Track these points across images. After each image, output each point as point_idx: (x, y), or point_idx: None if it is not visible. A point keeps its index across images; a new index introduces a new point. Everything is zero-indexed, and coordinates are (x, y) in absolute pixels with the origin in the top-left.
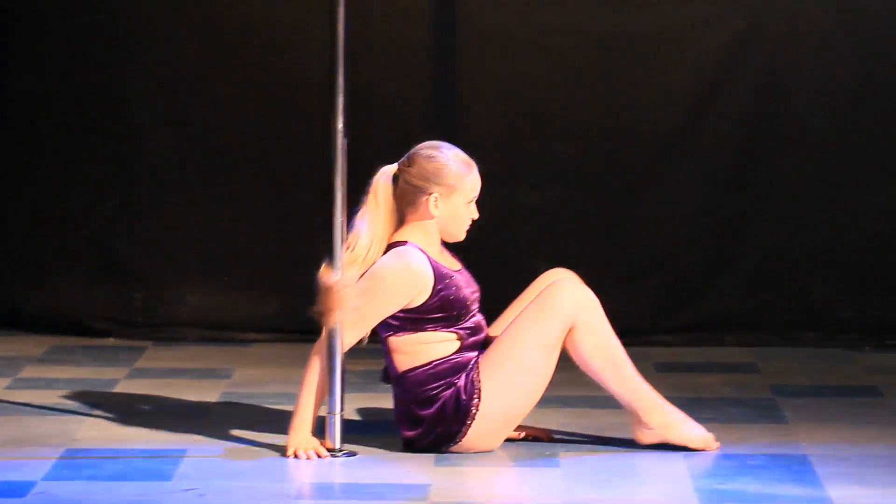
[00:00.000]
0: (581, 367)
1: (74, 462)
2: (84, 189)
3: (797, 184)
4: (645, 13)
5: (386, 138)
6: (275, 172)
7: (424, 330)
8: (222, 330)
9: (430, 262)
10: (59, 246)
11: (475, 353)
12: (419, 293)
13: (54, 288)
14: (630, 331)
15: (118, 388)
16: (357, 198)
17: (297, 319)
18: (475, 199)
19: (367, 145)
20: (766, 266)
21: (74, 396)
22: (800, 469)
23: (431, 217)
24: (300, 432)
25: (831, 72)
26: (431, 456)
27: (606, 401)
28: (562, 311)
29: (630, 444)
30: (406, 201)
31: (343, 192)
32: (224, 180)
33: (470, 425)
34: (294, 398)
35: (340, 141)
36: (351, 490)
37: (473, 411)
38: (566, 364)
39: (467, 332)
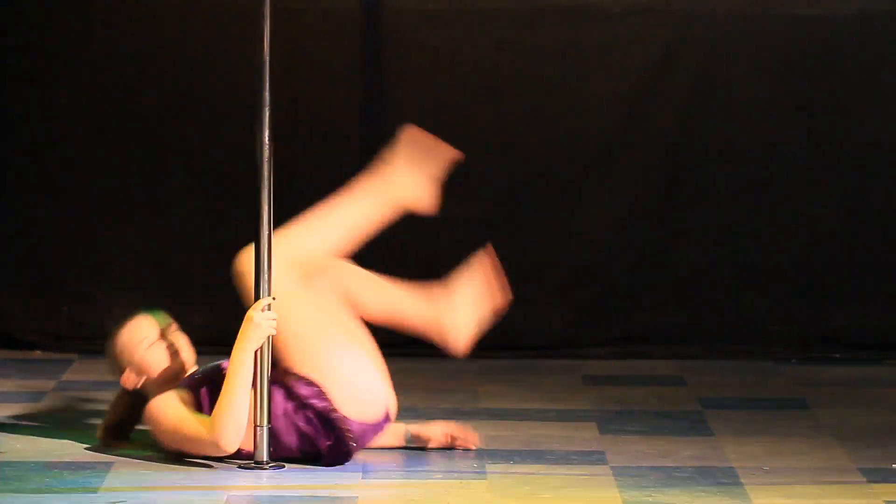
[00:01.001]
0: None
1: (0, 475)
2: (11, 200)
3: (726, 197)
4: (572, 27)
5: (313, 150)
6: (203, 184)
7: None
8: None
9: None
10: None
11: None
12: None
13: None
14: (559, 343)
15: (45, 401)
16: (283, 210)
17: (223, 332)
18: (151, 339)
19: (296, 158)
20: (696, 279)
21: (0, 409)
22: (726, 481)
23: (139, 385)
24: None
25: (759, 87)
26: (359, 468)
27: (535, 413)
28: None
29: (559, 458)
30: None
31: (269, 204)
32: (152, 192)
33: (343, 416)
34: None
35: (267, 153)
36: (277, 502)
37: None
38: (492, 377)
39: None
